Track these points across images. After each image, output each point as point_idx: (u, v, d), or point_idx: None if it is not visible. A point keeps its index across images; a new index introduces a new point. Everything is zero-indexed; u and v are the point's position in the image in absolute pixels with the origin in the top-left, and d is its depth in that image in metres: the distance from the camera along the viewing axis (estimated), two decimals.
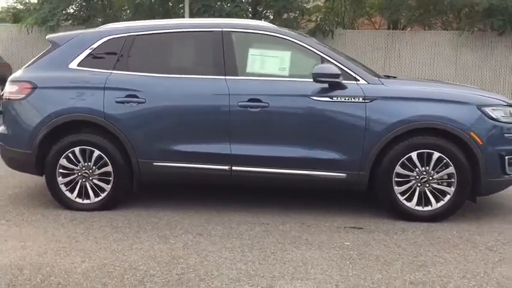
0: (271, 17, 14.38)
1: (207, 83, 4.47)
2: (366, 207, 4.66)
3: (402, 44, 14.18)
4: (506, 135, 4.29)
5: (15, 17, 15.24)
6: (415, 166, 4.26)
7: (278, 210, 4.58)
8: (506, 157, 4.26)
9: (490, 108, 4.28)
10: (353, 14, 16.02)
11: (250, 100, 4.35)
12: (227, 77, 4.43)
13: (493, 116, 4.26)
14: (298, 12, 14.35)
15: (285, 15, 14.08)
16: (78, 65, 4.60)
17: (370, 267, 3.39)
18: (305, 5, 15.03)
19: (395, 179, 4.29)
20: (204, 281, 3.15)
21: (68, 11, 14.52)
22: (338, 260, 3.51)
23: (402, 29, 15.11)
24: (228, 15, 12.61)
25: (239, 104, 4.35)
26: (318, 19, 14.41)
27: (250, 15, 14.30)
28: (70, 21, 14.60)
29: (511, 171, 4.34)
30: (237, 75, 4.46)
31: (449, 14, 14.85)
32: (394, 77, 5.40)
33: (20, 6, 15.78)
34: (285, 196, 5.02)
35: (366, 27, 16.64)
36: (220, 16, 12.73)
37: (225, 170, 4.42)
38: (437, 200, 4.30)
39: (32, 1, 15.60)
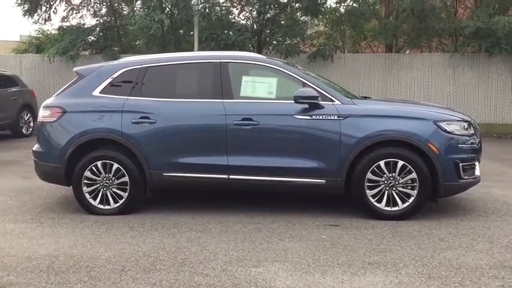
0: (275, 43, 15.29)
1: (207, 105, 5.33)
2: (344, 208, 5.44)
3: (400, 66, 14.93)
4: (460, 145, 5.07)
5: (38, 47, 16.39)
6: (384, 173, 5.04)
7: (269, 212, 5.37)
8: (460, 164, 5.03)
9: (445, 123, 5.07)
10: (353, 39, 16.90)
11: (243, 119, 5.20)
12: (224, 100, 5.29)
13: (447, 129, 5.04)
14: (299, 38, 15.26)
15: (288, 41, 14.99)
16: (100, 92, 5.51)
17: (338, 253, 4.16)
18: (307, 31, 15.97)
19: (367, 183, 5.06)
20: (203, 263, 3.95)
21: (88, 40, 15.58)
22: (313, 249, 4.28)
23: (398, 52, 15.92)
24: (234, 44, 13.55)
25: (234, 122, 5.20)
26: (319, 44, 15.29)
27: (255, 44, 15.22)
28: (88, 51, 15.68)
29: (466, 176, 5.10)
30: (233, 99, 5.32)
31: (444, 37, 15.64)
32: (369, 98, 6.22)
33: (42, 38, 16.95)
34: (276, 200, 5.81)
35: (366, 51, 17.49)
36: (226, 44, 13.68)
37: (223, 178, 5.25)
38: (403, 201, 5.06)
39: (53, 32, 16.77)
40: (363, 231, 4.77)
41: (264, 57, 5.78)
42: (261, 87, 5.42)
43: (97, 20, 16.05)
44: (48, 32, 17.02)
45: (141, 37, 15.79)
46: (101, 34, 15.83)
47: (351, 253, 4.17)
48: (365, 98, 6.02)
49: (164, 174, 5.32)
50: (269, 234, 4.68)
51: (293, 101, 5.12)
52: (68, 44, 14.04)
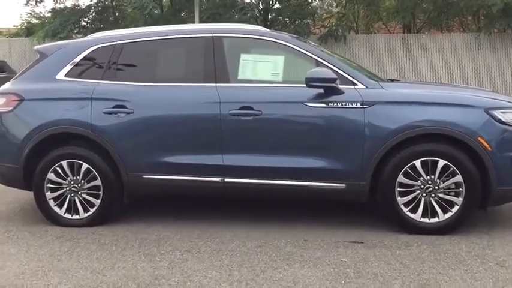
0: (283, 23, 14.15)
1: (197, 91, 4.27)
2: (368, 220, 4.37)
3: (418, 48, 13.81)
4: None
5: (29, 30, 15.37)
6: (420, 175, 3.97)
7: (273, 225, 4.33)
8: None
9: (499, 111, 3.97)
10: (367, 19, 15.71)
11: (242, 108, 4.13)
12: (218, 85, 4.23)
13: (502, 119, 3.94)
14: (309, 18, 14.11)
15: (297, 21, 13.85)
16: (65, 76, 4.46)
17: (366, 287, 3.12)
18: (317, 10, 14.81)
19: (398, 189, 4.00)
20: None
21: (81, 23, 14.56)
22: (332, 279, 3.24)
23: (417, 33, 14.73)
24: None
25: (230, 112, 4.14)
26: (330, 24, 14.16)
27: (261, 25, 14.11)
28: (82, 35, 14.66)
29: None
30: (228, 82, 4.25)
31: (466, 16, 14.42)
32: (397, 80, 5.12)
33: (34, 21, 15.93)
34: (282, 209, 4.76)
35: (381, 31, 16.29)
36: None
37: (217, 182, 4.20)
38: (445, 211, 3.99)
39: (46, 15, 15.75)
40: (394, 251, 3.71)
41: (268, 30, 4.68)
42: (264, 68, 4.34)
43: (91, 0, 14.97)
44: (42, 15, 15.97)
45: (139, 19, 14.70)
46: (96, 16, 14.76)
47: (384, 286, 3.12)
48: (392, 80, 4.92)
49: (144, 176, 4.28)
50: (274, 257, 3.63)
51: (304, 85, 4.04)
52: (58, 26, 13.01)
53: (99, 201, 4.33)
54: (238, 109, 4.13)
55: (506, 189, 3.95)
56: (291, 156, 4.11)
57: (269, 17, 14.25)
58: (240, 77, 4.30)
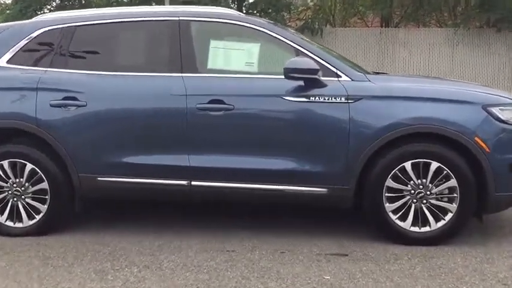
0: (257, 15, 13.65)
1: (160, 81, 3.75)
2: (352, 228, 3.92)
3: (396, 43, 13.46)
4: None
5: None
6: (410, 179, 3.54)
7: (247, 233, 3.84)
8: None
9: (497, 108, 3.57)
10: (344, 13, 15.31)
11: (211, 102, 3.63)
12: (184, 75, 3.71)
13: (501, 117, 3.54)
14: (285, 10, 13.64)
15: (273, 14, 13.35)
16: (8, 62, 3.87)
17: None
18: (293, 2, 14.34)
19: (386, 194, 3.56)
20: None
21: (44, 11, 13.74)
22: None
23: (395, 27, 14.43)
24: None
25: (198, 106, 3.63)
26: (307, 17, 13.71)
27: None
28: None
29: None
30: (196, 73, 3.74)
31: (444, 11, 14.17)
32: (385, 73, 4.69)
33: None
34: (256, 216, 4.27)
35: (358, 25, 15.94)
36: None
37: (183, 185, 3.69)
38: (437, 219, 3.57)
39: (6, 1, 14.86)
40: (383, 265, 3.27)
41: (242, 14, 4.17)
42: (237, 57, 3.85)
43: None
44: (2, 1, 15.07)
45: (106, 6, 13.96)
46: (60, 4, 13.95)
47: None
48: (377, 74, 4.49)
49: (99, 179, 3.74)
50: (246, 272, 3.15)
51: (283, 76, 3.56)
52: (18, 13, 12.19)
53: (46, 207, 3.77)
54: (207, 103, 3.63)
55: (504, 196, 3.56)
56: (266, 157, 3.63)
57: (243, 8, 13.72)
58: (209, 66, 3.80)
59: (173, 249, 3.54)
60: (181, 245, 3.62)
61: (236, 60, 3.82)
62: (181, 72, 3.71)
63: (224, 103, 3.62)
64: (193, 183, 3.68)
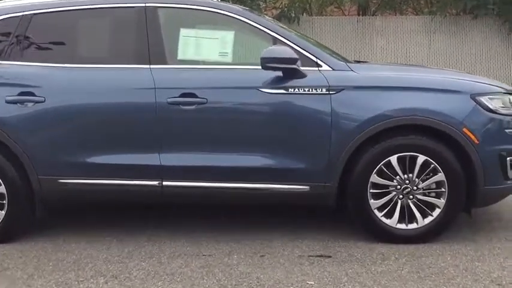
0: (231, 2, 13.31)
1: (126, 74, 3.46)
2: (335, 227, 3.70)
3: (373, 31, 13.33)
4: (507, 130, 3.40)
5: None
6: (396, 173, 3.34)
7: (224, 235, 3.59)
8: (508, 158, 3.38)
9: (486, 97, 3.38)
10: (321, 2, 15.09)
11: (182, 95, 3.36)
12: (152, 66, 3.42)
13: (490, 106, 3.36)
14: None
15: (248, 2, 13.05)
16: None
17: None
18: None
19: (371, 190, 3.36)
20: None
21: None
22: None
23: (372, 15, 14.28)
24: None
25: (169, 100, 3.35)
26: (283, 6, 13.45)
27: None
28: None
29: None
30: (165, 64, 3.46)
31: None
32: (366, 62, 4.47)
33: None
34: (234, 216, 4.01)
35: (334, 14, 15.73)
36: None
37: (154, 186, 3.42)
38: (424, 215, 3.38)
39: None
40: (369, 267, 3.06)
41: (214, 0, 3.88)
42: (209, 46, 3.57)
43: None
44: None
45: None
46: None
47: None
48: (358, 62, 4.26)
49: (61, 181, 3.44)
50: (223, 280, 2.91)
51: (259, 67, 3.30)
52: None
53: (3, 212, 3.45)
54: (178, 96, 3.36)
55: (494, 189, 3.39)
56: (242, 154, 3.38)
57: None
58: (180, 57, 3.52)
59: (144, 256, 3.28)
60: (153, 251, 3.36)
61: (209, 50, 3.54)
62: (149, 64, 3.42)
63: (196, 97, 3.35)
64: (165, 183, 3.42)
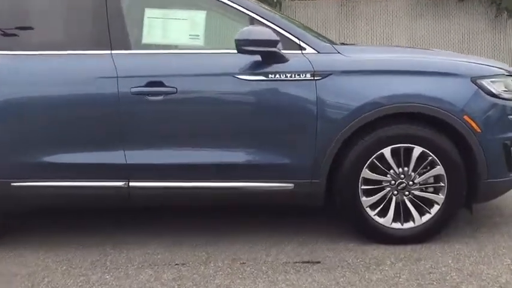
0: None
1: (84, 61, 3.04)
2: (323, 229, 3.35)
3: (357, 15, 12.99)
4: (510, 117, 3.07)
5: None
6: (389, 167, 3.00)
7: (200, 240, 3.22)
8: None
9: (488, 80, 3.04)
10: None
11: (148, 84, 2.96)
12: (114, 52, 3.02)
13: (493, 90, 3.02)
14: None
15: None
16: None
17: None
18: None
19: (363, 186, 3.01)
20: None
21: None
22: None
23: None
24: None
25: (133, 90, 2.96)
26: None
27: None
28: None
29: None
30: (129, 49, 3.06)
31: None
32: (353, 44, 4.10)
33: None
34: (211, 216, 3.64)
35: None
36: None
37: (119, 187, 3.03)
38: (422, 212, 3.06)
39: None
40: (363, 274, 2.72)
41: None
42: (178, 28, 3.16)
43: None
44: None
45: None
46: None
47: None
48: (344, 45, 3.90)
49: (14, 184, 3.03)
50: None
51: (235, 51, 2.92)
52: None
53: None
54: (144, 86, 2.96)
55: (497, 182, 3.06)
56: (218, 149, 3.01)
57: None
58: (145, 41, 3.11)
59: (109, 267, 2.90)
60: (119, 260, 2.98)
61: (178, 32, 3.14)
62: (110, 49, 3.02)
63: (164, 85, 2.96)
64: (131, 184, 3.03)
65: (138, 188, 3.04)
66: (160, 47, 3.13)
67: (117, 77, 2.96)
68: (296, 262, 2.89)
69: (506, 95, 3.06)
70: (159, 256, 3.02)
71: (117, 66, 2.98)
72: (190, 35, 3.12)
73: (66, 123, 3.01)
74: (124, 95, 2.95)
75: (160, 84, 2.96)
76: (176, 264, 2.90)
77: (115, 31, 3.03)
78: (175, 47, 3.17)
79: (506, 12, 12.11)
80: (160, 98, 2.95)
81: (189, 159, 3.00)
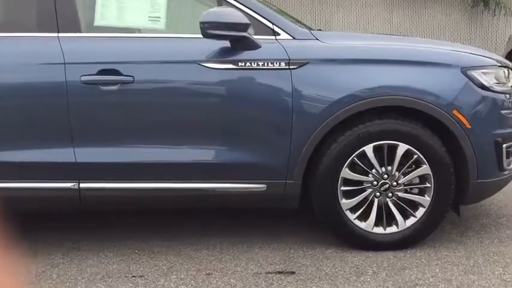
0: None
1: (26, 45, 2.67)
2: (298, 235, 3.04)
3: (332, 4, 12.73)
4: (503, 112, 2.82)
5: None
6: (372, 166, 2.72)
7: (162, 244, 2.89)
8: (504, 145, 2.81)
9: (479, 71, 2.78)
10: None
11: (101, 72, 2.60)
12: (61, 35, 2.64)
13: (484, 83, 2.76)
14: None
15: None
16: None
17: None
18: None
19: (342, 187, 2.72)
20: None
21: None
22: None
23: None
24: None
25: (83, 79, 2.59)
26: None
27: None
28: None
29: (509, 165, 2.90)
30: (79, 32, 2.69)
31: None
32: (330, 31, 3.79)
33: None
34: (177, 216, 3.30)
35: None
36: None
37: (68, 189, 2.67)
38: (406, 216, 2.79)
39: None
40: (342, 286, 2.44)
41: None
42: (136, 9, 2.81)
43: None
44: None
45: None
46: None
47: None
48: (320, 31, 3.59)
49: None
50: None
51: (200, 35, 2.57)
52: None
53: None
54: (96, 74, 2.59)
55: (488, 182, 2.81)
56: (180, 147, 2.67)
57: None
58: (97, 23, 2.74)
59: (56, 280, 2.54)
60: (69, 272, 2.62)
61: (135, 14, 2.78)
62: (57, 32, 2.64)
63: (120, 74, 2.60)
64: (82, 185, 2.67)
65: (90, 190, 2.68)
66: (115, 30, 2.76)
67: (65, 63, 2.59)
68: (268, 272, 2.59)
69: (498, 88, 2.80)
70: (114, 266, 2.67)
71: (65, 51, 2.60)
72: (149, 17, 2.75)
73: (6, 115, 2.63)
74: (73, 84, 2.58)
75: (114, 72, 2.60)
76: (133, 277, 2.56)
77: (62, 11, 2.65)
78: (133, 30, 2.81)
79: (482, 3, 12.01)
80: (114, 88, 2.59)
81: (148, 157, 2.66)
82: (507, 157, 2.84)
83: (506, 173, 2.87)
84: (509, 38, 10.87)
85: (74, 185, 2.66)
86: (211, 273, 2.58)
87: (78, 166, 2.65)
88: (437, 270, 2.58)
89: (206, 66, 2.62)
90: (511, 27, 12.66)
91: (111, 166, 2.66)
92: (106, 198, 2.74)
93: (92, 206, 2.80)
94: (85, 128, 2.64)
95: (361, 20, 12.82)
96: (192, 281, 2.51)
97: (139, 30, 2.83)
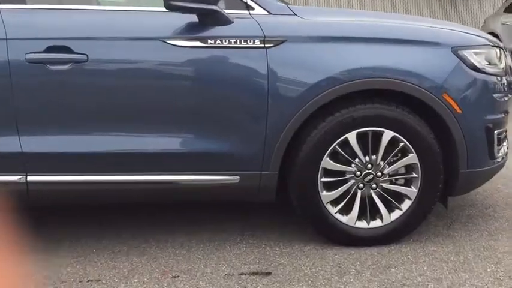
0: None
1: None
2: (275, 231, 2.80)
3: None
4: (495, 95, 2.61)
5: None
6: (355, 155, 2.48)
7: (124, 242, 2.61)
8: (495, 132, 2.60)
9: (471, 51, 2.55)
10: None
11: (50, 49, 2.27)
12: (2, 6, 2.29)
13: (476, 64, 2.54)
14: None
15: None
16: None
17: None
18: None
19: (323, 179, 2.48)
20: None
21: None
22: None
23: None
24: None
25: (29, 57, 2.25)
26: None
27: None
28: None
29: (500, 153, 2.70)
30: (23, 3, 2.35)
31: None
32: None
33: None
34: (135, 215, 3.01)
35: None
36: None
37: (14, 182, 2.35)
38: (391, 209, 2.57)
39: None
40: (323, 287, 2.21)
41: None
42: None
43: None
44: None
45: None
46: None
47: None
48: None
49: None
50: None
51: (164, 8, 2.26)
52: None
53: None
54: (44, 51, 2.26)
55: (478, 172, 2.61)
56: (141, 134, 2.38)
57: None
58: None
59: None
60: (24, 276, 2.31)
61: None
62: None
63: (71, 51, 2.27)
64: (30, 178, 2.35)
65: (38, 184, 2.37)
66: (66, 2, 2.43)
67: (7, 38, 2.25)
68: (242, 274, 2.34)
69: (490, 69, 2.59)
70: (68, 269, 2.38)
71: (7, 24, 2.26)
72: None
73: None
74: (16, 63, 2.25)
75: (65, 49, 2.27)
76: (89, 281, 2.28)
77: None
78: (89, 2, 2.48)
79: None
80: (65, 67, 2.27)
81: (104, 147, 2.35)
82: (498, 144, 2.64)
83: (496, 161, 2.67)
84: (484, 22, 10.81)
85: (20, 178, 2.34)
86: (178, 276, 2.32)
87: (25, 157, 2.33)
88: (425, 268, 2.37)
89: (171, 44, 2.32)
90: (486, 11, 12.62)
91: (62, 156, 2.35)
92: (58, 192, 2.43)
93: (41, 201, 2.48)
94: (32, 113, 2.31)
95: (336, 2, 12.63)
96: (156, 285, 2.24)
97: (97, 2, 2.49)
